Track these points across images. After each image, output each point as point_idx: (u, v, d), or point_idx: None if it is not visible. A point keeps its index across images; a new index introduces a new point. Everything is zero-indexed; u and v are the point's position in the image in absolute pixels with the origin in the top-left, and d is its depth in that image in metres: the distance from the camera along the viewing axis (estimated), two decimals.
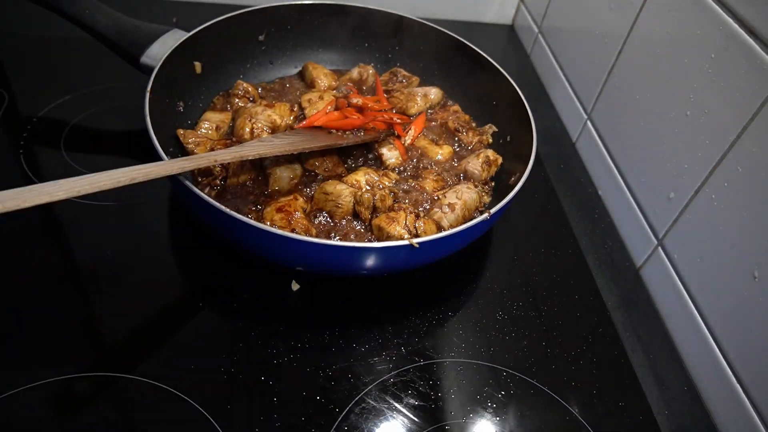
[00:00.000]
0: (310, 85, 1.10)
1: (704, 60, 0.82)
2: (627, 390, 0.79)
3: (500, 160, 0.98)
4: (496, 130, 1.04)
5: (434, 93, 1.09)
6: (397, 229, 0.80)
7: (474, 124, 1.07)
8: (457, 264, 0.90)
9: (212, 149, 0.88)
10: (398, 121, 0.99)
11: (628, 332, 0.87)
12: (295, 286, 0.82)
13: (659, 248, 0.91)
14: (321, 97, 1.02)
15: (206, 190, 0.86)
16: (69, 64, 1.12)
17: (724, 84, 0.78)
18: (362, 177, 0.88)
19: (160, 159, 0.75)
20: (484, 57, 1.06)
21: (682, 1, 0.86)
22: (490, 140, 1.04)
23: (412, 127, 1.02)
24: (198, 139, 0.89)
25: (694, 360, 0.84)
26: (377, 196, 0.84)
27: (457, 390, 0.74)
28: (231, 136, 0.96)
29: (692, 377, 0.83)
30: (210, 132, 0.94)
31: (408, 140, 1.00)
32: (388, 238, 0.80)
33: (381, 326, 0.80)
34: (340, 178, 0.90)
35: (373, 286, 0.85)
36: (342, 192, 0.83)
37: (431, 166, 0.97)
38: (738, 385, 0.75)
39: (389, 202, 0.85)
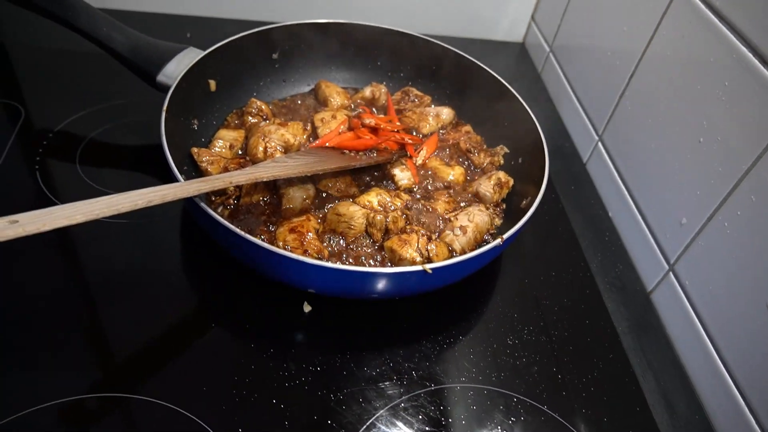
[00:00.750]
0: (323, 104, 1.10)
1: (718, 87, 0.82)
2: (637, 417, 0.78)
3: (512, 182, 0.98)
4: (508, 151, 1.04)
5: (446, 113, 1.10)
6: (410, 251, 0.80)
7: (485, 146, 1.08)
8: (468, 287, 0.90)
9: (226, 169, 0.89)
10: (410, 141, 0.99)
11: (638, 358, 0.86)
12: (306, 308, 0.82)
13: (670, 273, 0.91)
14: (334, 116, 1.03)
15: (219, 209, 0.86)
16: (85, 79, 1.13)
17: (738, 112, 0.78)
18: (375, 198, 0.88)
19: (175, 179, 0.75)
20: (496, 78, 1.06)
21: (696, 28, 0.87)
22: (502, 161, 1.04)
23: (424, 148, 1.02)
24: (212, 158, 0.90)
25: (705, 387, 0.83)
26: (390, 218, 0.84)
27: (468, 416, 0.74)
28: (245, 155, 0.96)
29: (703, 405, 0.83)
30: (224, 150, 0.94)
31: (420, 161, 1.01)
32: (401, 260, 0.80)
33: (392, 349, 0.80)
34: (352, 198, 0.90)
35: (385, 309, 0.85)
36: (355, 213, 0.84)
37: (442, 187, 0.97)
38: (750, 414, 0.74)
39: (401, 223, 0.85)
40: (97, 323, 0.77)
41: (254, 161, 0.92)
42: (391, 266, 0.82)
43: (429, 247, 0.81)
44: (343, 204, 0.86)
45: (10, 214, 0.85)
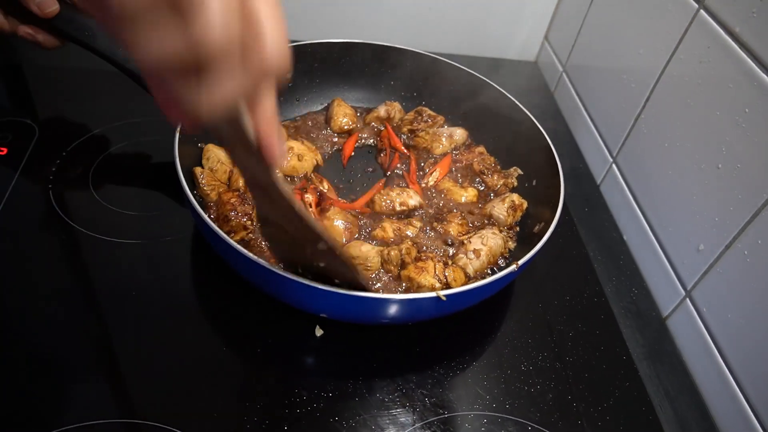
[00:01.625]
0: (328, 122, 1.10)
1: (737, 113, 0.81)
2: None
3: (525, 204, 0.97)
4: (522, 173, 1.03)
5: (459, 134, 1.09)
6: (428, 278, 0.79)
7: (499, 167, 1.07)
8: (480, 312, 0.89)
9: (220, 197, 0.87)
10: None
11: (655, 386, 0.85)
12: (318, 332, 0.81)
13: (687, 300, 0.90)
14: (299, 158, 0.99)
15: (231, 234, 0.85)
16: (98, 97, 1.13)
17: (759, 140, 0.77)
18: (389, 228, 0.87)
19: (188, 200, 0.75)
20: (509, 98, 1.06)
21: (714, 53, 0.86)
22: (515, 183, 1.03)
23: (437, 169, 1.01)
24: (214, 184, 0.89)
25: (723, 417, 0.82)
26: (404, 251, 0.83)
27: None
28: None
29: None
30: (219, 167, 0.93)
31: (432, 181, 1.00)
32: (419, 287, 0.80)
33: (405, 375, 0.79)
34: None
35: (398, 334, 0.84)
36: (369, 254, 0.83)
37: (455, 209, 0.96)
38: None
39: (414, 253, 0.84)
40: (106, 347, 0.76)
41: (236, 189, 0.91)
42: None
43: (447, 273, 0.81)
44: (353, 245, 0.84)
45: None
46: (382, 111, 1.12)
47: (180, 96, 0.38)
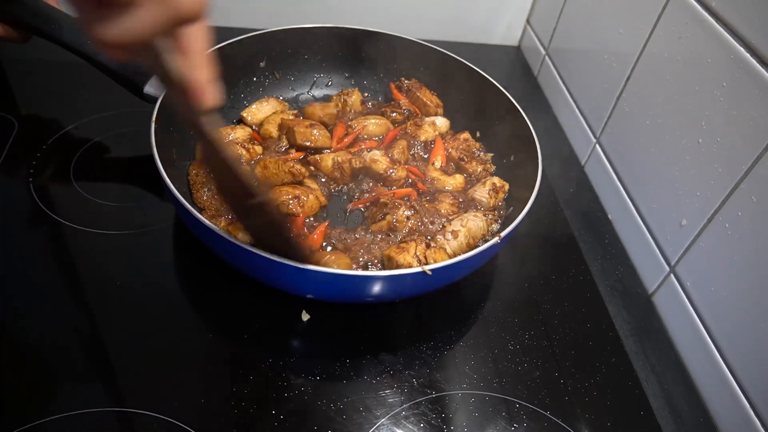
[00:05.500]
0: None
1: (716, 88, 0.81)
2: (642, 422, 0.78)
3: (507, 186, 0.97)
4: (492, 155, 1.05)
5: (441, 121, 1.09)
6: (407, 258, 0.79)
7: (482, 153, 1.07)
8: (467, 292, 0.89)
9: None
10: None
11: (641, 361, 0.86)
12: (305, 317, 0.81)
13: (671, 275, 0.90)
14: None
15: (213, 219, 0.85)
16: (78, 90, 1.12)
17: (737, 113, 0.78)
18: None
19: (168, 188, 0.75)
20: (488, 79, 1.05)
21: (692, 29, 0.86)
22: (492, 168, 1.04)
23: (438, 156, 1.02)
24: (212, 204, 0.88)
25: (709, 390, 0.83)
26: (397, 216, 0.88)
27: (470, 423, 0.73)
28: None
29: (708, 408, 0.82)
30: None
31: (438, 165, 1.01)
32: (398, 266, 0.80)
33: (392, 357, 0.79)
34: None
35: (384, 315, 0.84)
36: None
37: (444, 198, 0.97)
38: (755, 417, 0.74)
39: (404, 224, 0.86)
40: (92, 336, 0.76)
41: None
42: None
43: (427, 253, 0.81)
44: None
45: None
46: (331, 108, 1.07)
47: (96, 25, 0.41)
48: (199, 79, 0.49)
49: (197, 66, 0.48)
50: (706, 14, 0.83)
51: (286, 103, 1.10)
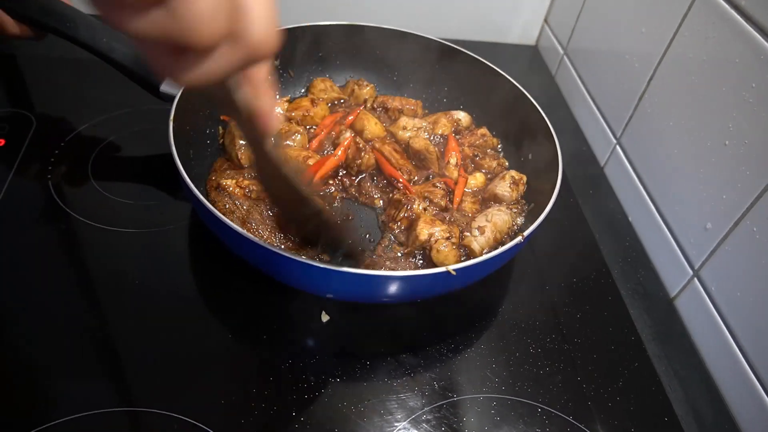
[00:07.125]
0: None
1: (744, 89, 0.80)
2: (666, 429, 0.76)
3: (525, 178, 0.97)
4: (500, 148, 1.07)
5: (462, 116, 1.08)
6: (426, 231, 0.83)
7: (500, 148, 1.07)
8: (487, 294, 0.88)
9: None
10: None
11: (664, 366, 0.84)
12: (324, 317, 0.80)
13: (695, 279, 0.89)
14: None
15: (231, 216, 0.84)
16: (96, 87, 1.11)
17: (767, 114, 0.76)
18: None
19: (186, 186, 0.74)
20: (505, 77, 1.05)
21: (720, 29, 0.85)
22: (506, 162, 1.04)
23: (452, 154, 1.01)
24: (232, 206, 0.87)
25: (734, 397, 0.81)
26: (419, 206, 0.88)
27: (492, 427, 0.72)
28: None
29: (733, 414, 0.80)
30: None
31: (454, 161, 1.00)
32: (416, 237, 0.83)
33: (412, 358, 0.78)
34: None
35: (404, 317, 0.83)
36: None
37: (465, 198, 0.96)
38: None
39: (426, 216, 0.87)
40: (110, 336, 0.75)
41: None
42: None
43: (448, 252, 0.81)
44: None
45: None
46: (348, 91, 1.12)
47: (168, 68, 0.41)
48: (264, 106, 0.50)
49: (262, 94, 0.50)
50: (734, 13, 0.82)
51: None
